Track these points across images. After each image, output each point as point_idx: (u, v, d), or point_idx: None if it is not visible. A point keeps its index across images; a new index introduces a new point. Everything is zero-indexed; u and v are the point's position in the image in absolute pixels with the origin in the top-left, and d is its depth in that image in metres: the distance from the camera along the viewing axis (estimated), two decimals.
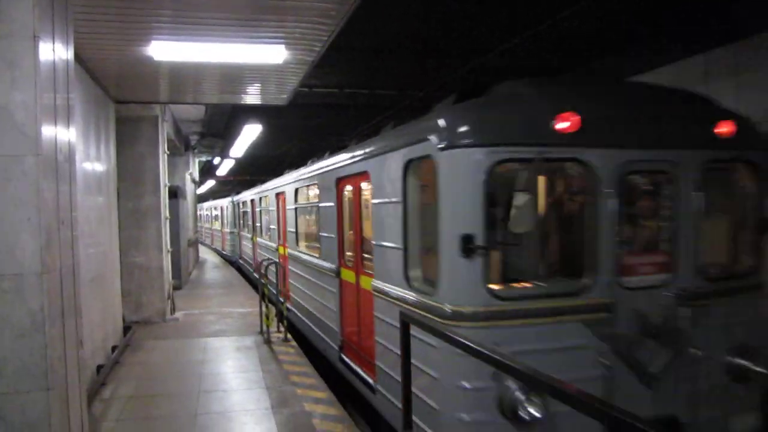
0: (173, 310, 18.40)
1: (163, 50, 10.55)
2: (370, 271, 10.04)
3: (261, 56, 10.97)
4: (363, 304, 10.80)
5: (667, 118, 7.92)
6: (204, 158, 33.39)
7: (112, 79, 12.98)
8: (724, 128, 8.12)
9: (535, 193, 7.45)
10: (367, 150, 10.12)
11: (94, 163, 12.43)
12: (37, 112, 6.80)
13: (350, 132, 21.63)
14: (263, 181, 26.95)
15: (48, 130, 7.01)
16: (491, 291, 7.34)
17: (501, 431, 7.16)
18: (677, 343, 7.84)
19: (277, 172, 25.19)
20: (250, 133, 22.82)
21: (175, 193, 23.11)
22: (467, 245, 7.21)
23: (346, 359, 11.65)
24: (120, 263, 15.52)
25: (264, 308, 15.92)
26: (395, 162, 8.83)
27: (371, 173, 9.81)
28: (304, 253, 15.12)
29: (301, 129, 25.24)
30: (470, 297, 7.29)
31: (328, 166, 12.58)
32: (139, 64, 11.66)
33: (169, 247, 18.64)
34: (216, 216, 48.19)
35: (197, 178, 35.39)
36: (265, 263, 17.00)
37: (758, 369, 7.99)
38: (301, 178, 15.44)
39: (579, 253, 7.80)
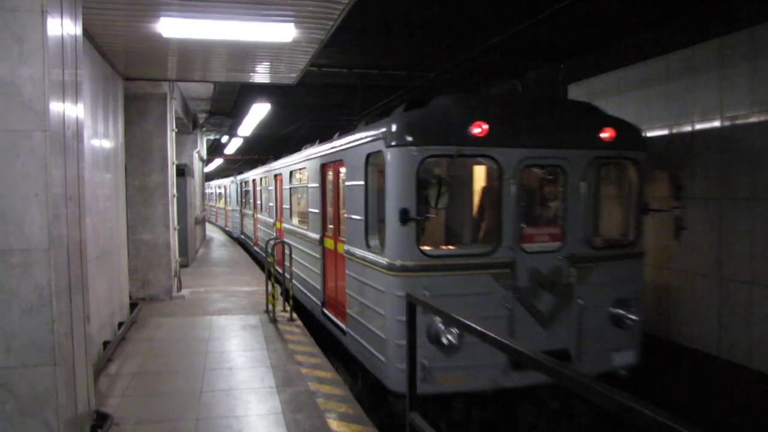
0: (179, 288, 18.41)
1: (172, 27, 10.54)
2: (344, 239, 12.83)
3: (270, 34, 10.97)
4: (339, 266, 13.64)
5: (560, 126, 10.84)
6: (212, 136, 33.35)
7: (120, 55, 12.96)
8: (607, 134, 11.01)
9: (456, 180, 10.72)
10: (343, 143, 12.84)
11: (102, 139, 12.43)
12: (45, 88, 6.79)
13: (360, 112, 22.08)
14: (267, 161, 28.85)
15: (56, 106, 7.01)
16: (422, 251, 10.13)
17: (428, 353, 9.97)
18: (565, 294, 10.74)
19: (284, 152, 25.91)
20: (258, 112, 22.77)
21: (182, 171, 23.15)
22: (404, 216, 10.01)
23: (327, 312, 14.31)
24: (127, 240, 15.61)
25: (270, 288, 15.96)
26: (360, 154, 11.54)
27: (345, 161, 12.53)
28: (296, 227, 17.81)
29: (310, 108, 25.18)
30: (407, 254, 10.11)
31: (315, 153, 15.32)
32: (148, 41, 11.65)
33: (176, 224, 18.68)
34: (220, 194, 48.44)
35: (205, 156, 35.21)
36: (271, 242, 17.28)
37: (632, 317, 11.06)
38: (295, 162, 18.16)
39: (489, 225, 10.94)
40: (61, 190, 7.10)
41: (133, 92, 16.72)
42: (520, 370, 10.47)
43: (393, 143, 10.32)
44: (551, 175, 11.24)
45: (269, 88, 18.91)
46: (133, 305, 15.70)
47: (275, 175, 22.09)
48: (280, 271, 19.09)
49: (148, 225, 17.75)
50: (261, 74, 14.60)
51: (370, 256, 11.14)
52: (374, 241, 11.24)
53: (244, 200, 34.87)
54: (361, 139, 11.62)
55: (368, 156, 11.22)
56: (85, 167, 8.17)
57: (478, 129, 10.34)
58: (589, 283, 11.06)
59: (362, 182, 11.51)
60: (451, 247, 10.85)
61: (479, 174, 11.78)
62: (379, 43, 16.05)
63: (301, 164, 17.18)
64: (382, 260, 10.55)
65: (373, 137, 10.98)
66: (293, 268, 17.40)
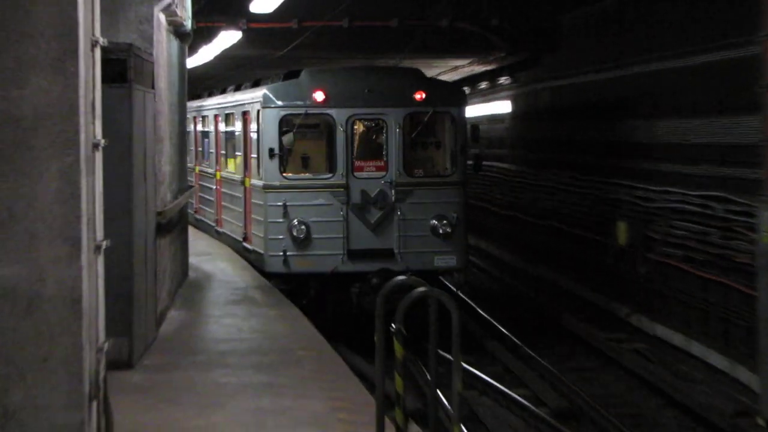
0: None
1: None
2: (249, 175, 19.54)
3: None
4: (248, 198, 19.46)
5: (383, 90, 17.60)
6: None
7: None
8: (419, 95, 17.56)
9: (310, 128, 17.91)
10: (248, 96, 19.58)
11: None
12: None
13: None
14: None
15: None
16: (284, 176, 17.46)
17: (287, 243, 17.15)
18: (388, 209, 17.21)
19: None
20: None
21: (121, 70, 10.02)
22: (271, 153, 17.26)
23: (246, 245, 19.65)
24: None
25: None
26: (254, 108, 18.54)
27: (250, 112, 19.11)
28: (230, 172, 22.01)
29: None
30: (274, 178, 17.42)
31: (240, 100, 20.65)
32: None
33: (99, 237, 6.68)
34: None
35: (189, 25, 16.51)
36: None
37: (447, 229, 17.32)
38: (226, 104, 22.64)
39: (329, 160, 17.65)
40: None
41: None
42: (353, 259, 17.13)
43: (264, 105, 17.67)
44: (376, 126, 17.89)
45: None
46: None
47: (214, 115, 23.79)
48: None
49: (11, 235, 6.53)
50: None
51: (257, 183, 18.17)
52: (259, 171, 18.11)
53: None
54: (252, 98, 18.83)
55: (258, 111, 18.11)
56: None
57: (319, 95, 17.35)
58: (408, 202, 17.32)
59: (255, 130, 18.42)
60: (303, 174, 17.75)
61: (324, 124, 17.85)
62: None
63: (231, 108, 21.78)
64: (260, 183, 17.87)
65: (258, 98, 18.09)
66: (229, 219, 22.22)
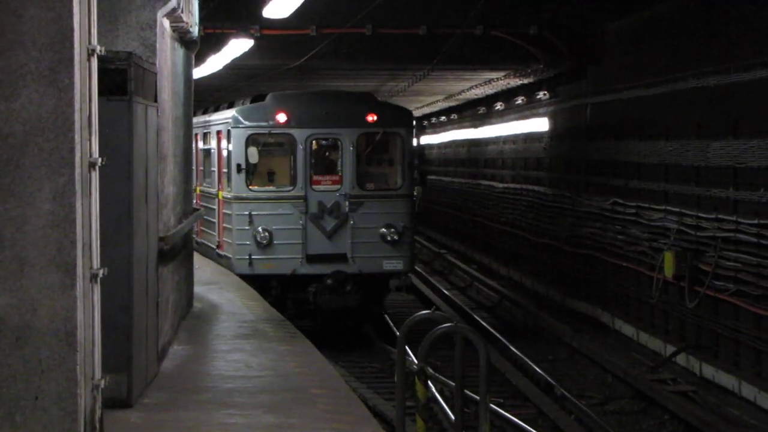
0: None
1: None
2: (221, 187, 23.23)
3: None
4: (221, 209, 23.29)
5: (338, 113, 21.66)
6: None
7: None
8: (371, 117, 21.65)
9: (274, 146, 22.28)
10: (221, 117, 23.55)
11: None
12: None
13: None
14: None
15: None
16: (250, 188, 21.52)
17: (252, 248, 21.32)
18: (342, 218, 21.27)
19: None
20: None
21: (120, 81, 9.91)
22: (238, 168, 21.32)
23: (219, 251, 23.22)
24: None
25: None
26: (225, 128, 22.47)
27: (222, 131, 23.10)
28: (209, 186, 25.50)
29: None
30: (241, 190, 21.48)
31: (216, 120, 24.39)
32: None
33: (95, 264, 6.75)
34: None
35: (197, 32, 15.76)
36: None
37: (394, 237, 21.35)
38: (206, 123, 26.02)
39: (290, 174, 21.73)
40: None
41: None
42: (311, 263, 21.16)
43: (232, 126, 21.70)
44: (332, 144, 21.94)
45: None
46: None
47: (195, 134, 25.05)
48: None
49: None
50: None
51: (228, 195, 22.12)
52: (229, 184, 22.09)
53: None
54: (224, 118, 22.89)
55: (228, 130, 22.09)
56: None
57: (282, 116, 21.47)
58: (360, 212, 21.32)
59: (226, 147, 22.52)
60: (267, 186, 21.85)
61: (287, 143, 21.94)
62: None
63: (213, 126, 24.95)
64: (230, 194, 21.88)
65: (226, 120, 22.39)
66: (208, 230, 25.36)
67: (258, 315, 17.18)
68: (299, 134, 21.37)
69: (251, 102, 22.72)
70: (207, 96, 33.06)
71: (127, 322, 10.00)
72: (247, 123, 21.51)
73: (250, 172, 21.40)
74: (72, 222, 6.32)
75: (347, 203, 21.35)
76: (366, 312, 21.89)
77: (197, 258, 20.69)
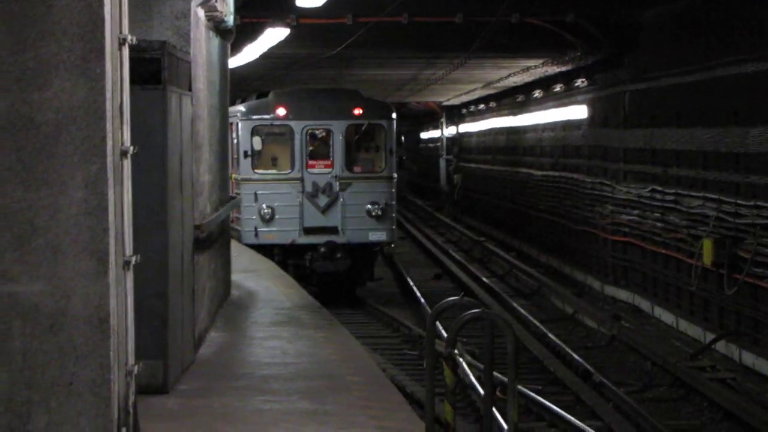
0: None
1: None
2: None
3: None
4: (233, 189, 23.64)
5: (329, 107, 26.02)
6: None
7: None
8: (357, 110, 25.87)
9: (277, 135, 26.39)
10: (234, 110, 25.37)
11: None
12: None
13: None
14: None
15: None
16: (255, 171, 25.92)
17: (257, 222, 25.62)
18: (334, 197, 25.47)
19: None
20: None
21: (155, 69, 9.92)
22: (245, 153, 25.76)
23: (231, 225, 22.38)
24: None
25: None
26: (235, 120, 25.36)
27: (233, 123, 24.81)
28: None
29: None
30: (247, 173, 25.85)
31: (230, 113, 22.61)
32: None
33: (128, 251, 6.75)
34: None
35: (232, 21, 15.66)
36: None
37: (378, 212, 25.54)
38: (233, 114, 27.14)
39: (289, 159, 26.03)
40: None
41: None
42: (307, 234, 25.03)
43: (241, 118, 25.59)
44: (325, 134, 25.72)
45: None
46: None
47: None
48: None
49: (32, 249, 6.47)
50: None
51: (237, 176, 25.34)
52: (239, 167, 25.46)
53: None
54: (235, 112, 25.51)
55: (237, 122, 25.50)
56: None
57: (281, 110, 25.54)
58: (349, 191, 25.30)
59: (236, 136, 25.80)
60: (270, 170, 25.85)
61: (286, 132, 25.82)
62: None
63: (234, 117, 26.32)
64: (239, 177, 25.39)
65: (237, 113, 25.62)
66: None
67: (295, 302, 17.21)
68: (296, 125, 25.51)
69: (256, 98, 27.44)
70: (245, 85, 33.43)
71: (162, 309, 9.99)
72: (252, 116, 25.83)
73: (255, 157, 25.67)
74: (104, 210, 6.31)
75: (338, 184, 25.42)
76: (355, 276, 25.90)
77: (234, 245, 20.67)
